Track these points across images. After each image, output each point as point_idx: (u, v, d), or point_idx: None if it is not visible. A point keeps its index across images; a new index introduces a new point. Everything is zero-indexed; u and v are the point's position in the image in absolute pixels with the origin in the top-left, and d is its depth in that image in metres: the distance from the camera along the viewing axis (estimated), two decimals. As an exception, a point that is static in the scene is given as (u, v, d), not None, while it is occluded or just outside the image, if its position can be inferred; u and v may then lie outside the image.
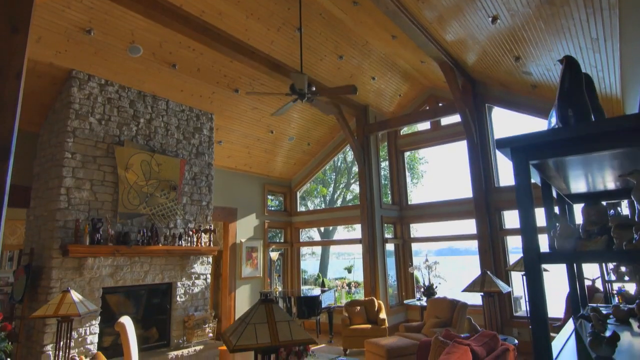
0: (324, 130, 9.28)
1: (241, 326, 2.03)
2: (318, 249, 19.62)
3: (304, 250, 14.42)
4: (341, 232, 19.15)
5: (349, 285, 13.31)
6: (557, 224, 1.18)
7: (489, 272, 5.17)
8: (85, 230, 5.10)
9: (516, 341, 4.27)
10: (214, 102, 7.08)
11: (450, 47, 6.43)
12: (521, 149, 1.07)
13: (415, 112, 8.87)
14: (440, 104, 8.60)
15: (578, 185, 1.47)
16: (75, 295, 3.85)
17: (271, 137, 8.57)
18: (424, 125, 9.24)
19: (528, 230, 1.09)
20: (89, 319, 5.14)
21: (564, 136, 0.99)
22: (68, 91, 5.44)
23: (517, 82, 6.93)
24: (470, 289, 5.15)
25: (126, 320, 4.34)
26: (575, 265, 1.88)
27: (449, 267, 8.29)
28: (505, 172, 7.79)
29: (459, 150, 10.04)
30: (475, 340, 3.49)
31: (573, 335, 2.02)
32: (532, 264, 1.09)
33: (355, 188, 17.62)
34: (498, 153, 7.78)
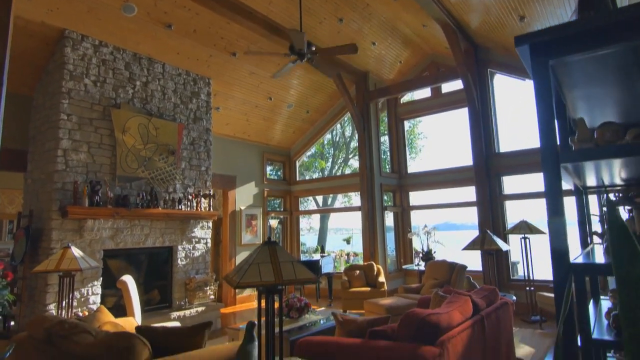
0: (323, 97, 9.15)
1: (245, 266, 2.03)
2: (316, 225, 19.68)
3: (302, 224, 14.49)
4: (339, 207, 19.21)
5: (347, 255, 13.46)
6: (576, 132, 1.14)
7: (488, 231, 5.20)
8: (84, 192, 5.07)
9: (514, 297, 4.32)
10: (211, 66, 6.94)
11: (453, 7, 6.27)
12: (542, 45, 1.02)
13: (416, 78, 8.73)
14: (441, 70, 8.46)
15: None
16: (76, 251, 3.85)
17: (270, 104, 8.45)
18: (425, 93, 9.12)
19: (547, 129, 1.05)
20: (91, 279, 5.18)
21: (589, 26, 0.93)
22: (61, 52, 5.30)
23: (520, 45, 6.79)
24: (470, 247, 5.19)
25: (128, 279, 4.37)
26: (584, 195, 1.86)
27: (445, 241, 8.33)
28: (505, 138, 7.74)
29: (459, 118, 9.95)
30: (475, 293, 3.52)
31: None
32: (551, 162, 1.05)
33: (353, 163, 17.55)
34: (499, 119, 7.71)
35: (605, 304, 1.94)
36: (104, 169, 5.49)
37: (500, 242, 5.07)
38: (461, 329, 2.76)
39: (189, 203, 6.30)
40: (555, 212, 1.05)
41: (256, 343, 2.27)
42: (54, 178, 5.03)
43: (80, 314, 4.44)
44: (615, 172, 1.43)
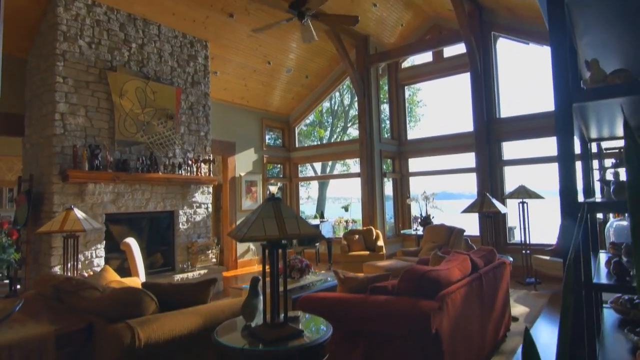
0: (323, 62, 8.98)
1: (249, 220, 2.05)
2: (315, 194, 19.74)
3: (301, 193, 14.55)
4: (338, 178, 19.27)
5: (346, 222, 13.62)
6: (590, 72, 1.13)
7: (487, 194, 5.24)
8: (84, 156, 5.06)
9: (511, 259, 4.41)
10: (208, 28, 6.76)
11: (457, -35, 6.05)
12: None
13: (418, 41, 8.55)
14: (444, 34, 8.27)
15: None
16: (79, 213, 3.88)
17: (268, 68, 8.30)
18: (426, 58, 8.96)
19: (561, 66, 1.04)
20: (94, 242, 5.25)
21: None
22: (54, 11, 5.14)
23: (526, 6, 6.62)
24: (469, 210, 5.25)
25: (131, 241, 4.43)
26: (588, 146, 1.85)
27: (443, 209, 8.39)
28: (506, 104, 7.67)
29: (460, 84, 9.81)
30: (474, 253, 3.59)
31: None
32: (564, 101, 1.03)
33: (352, 132, 17.42)
34: (501, 84, 7.61)
35: (603, 256, 1.98)
36: (102, 133, 5.44)
37: (498, 205, 5.12)
38: (460, 285, 2.82)
39: (188, 168, 6.30)
40: (566, 151, 1.05)
41: (261, 298, 2.32)
42: (53, 142, 4.99)
43: (85, 274, 4.52)
44: (619, 121, 1.43)
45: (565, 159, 1.02)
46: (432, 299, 2.52)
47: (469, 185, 7.89)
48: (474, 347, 2.97)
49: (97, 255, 5.29)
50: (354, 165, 16.91)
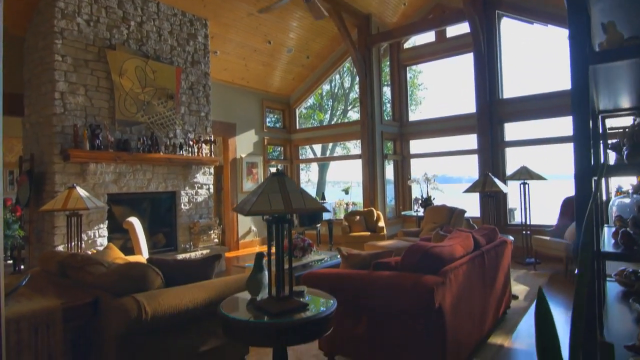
0: (324, 41, 8.86)
1: (254, 195, 2.05)
2: (315, 178, 19.74)
3: (301, 177, 14.56)
4: (337, 160, 19.24)
5: (346, 204, 13.67)
6: (606, 35, 1.10)
7: (490, 174, 5.24)
8: (84, 135, 5.03)
9: (512, 238, 4.44)
10: (207, 6, 6.64)
11: (462, -59, 5.91)
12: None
13: (421, 20, 8.42)
14: (447, 13, 8.13)
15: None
16: (82, 191, 3.88)
17: (269, 48, 8.20)
18: (428, 38, 8.83)
19: (578, 25, 1.01)
20: (97, 222, 5.26)
21: None
22: (50, -13, 5.04)
23: (531, -16, 6.49)
24: (472, 189, 5.25)
25: (134, 220, 4.44)
26: (598, 118, 1.84)
27: (444, 191, 8.39)
28: (509, 84, 7.60)
29: (462, 65, 9.71)
30: (476, 231, 3.60)
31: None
32: (581, 63, 1.02)
33: (352, 115, 17.31)
34: (504, 64, 7.52)
35: (607, 230, 1.98)
36: (102, 112, 5.40)
37: (501, 185, 5.12)
38: (463, 261, 2.84)
39: (189, 149, 6.27)
40: (581, 122, 1.03)
41: (265, 272, 2.33)
42: (53, 121, 4.96)
43: (89, 252, 4.54)
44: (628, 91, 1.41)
45: (580, 128, 1.01)
46: (436, 274, 2.54)
47: (469, 168, 7.91)
48: (475, 323, 3.00)
49: (100, 235, 5.31)
50: (355, 148, 16.85)
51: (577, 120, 1.01)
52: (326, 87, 18.82)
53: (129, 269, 2.38)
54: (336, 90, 18.98)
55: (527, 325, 3.75)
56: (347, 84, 18.74)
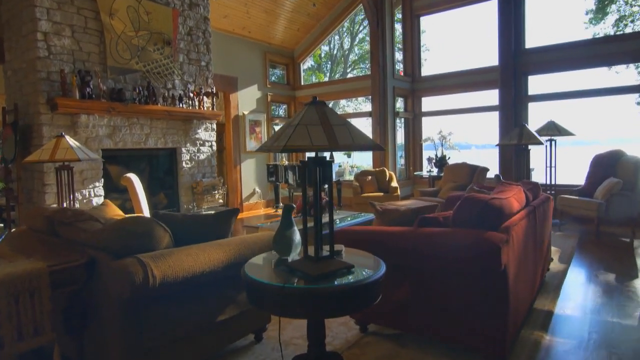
0: (332, -13, 8.13)
1: (289, 128, 1.60)
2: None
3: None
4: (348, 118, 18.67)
5: (351, 167, 13.29)
6: None
7: (526, 125, 4.78)
8: (73, 82, 4.49)
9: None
10: (205, -59, 5.92)
11: None
12: None
13: (439, -37, 7.68)
14: (468, -47, 7.41)
15: None
16: (72, 141, 3.41)
17: (272, -7, 7.48)
18: (445, -16, 8.10)
19: None
20: (92, 180, 4.82)
21: None
22: None
23: None
24: (506, 141, 4.80)
25: (133, 176, 4.00)
26: None
27: (464, 158, 7.91)
28: (533, 33, 7.00)
29: (481, 14, 9.03)
30: (523, 185, 3.18)
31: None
32: None
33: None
34: (528, 9, 6.87)
35: None
36: (92, 57, 4.84)
37: (538, 137, 4.67)
38: (520, 216, 2.44)
39: (190, 102, 5.74)
40: None
41: (296, 229, 1.92)
42: (37, 66, 4.41)
43: (90, 209, 4.13)
44: None
45: None
46: (496, 230, 2.13)
47: (482, 135, 7.42)
48: (528, 286, 2.64)
49: (96, 194, 4.88)
50: (365, 102, 16.22)
51: None
52: (325, 48, 18.03)
53: (130, 224, 1.96)
54: (335, 52, 18.17)
55: (569, 288, 3.41)
56: (346, 45, 17.92)
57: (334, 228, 3.56)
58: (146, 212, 4.02)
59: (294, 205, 1.98)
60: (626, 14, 11.34)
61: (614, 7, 11.54)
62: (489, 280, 2.05)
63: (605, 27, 11.47)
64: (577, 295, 3.27)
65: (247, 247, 2.21)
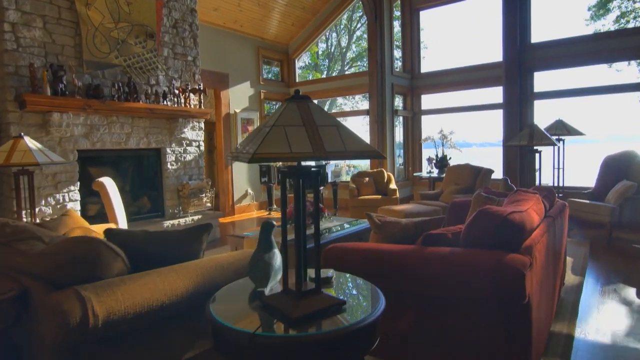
0: (328, -21, 7.76)
1: (262, 130, 1.25)
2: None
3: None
4: (341, 120, 18.33)
5: (348, 167, 12.94)
6: None
7: (537, 124, 4.44)
8: (44, 77, 4.12)
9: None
10: None
11: None
12: None
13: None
14: (470, -57, 7.06)
15: None
16: (31, 142, 3.05)
17: (265, -15, 7.12)
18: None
19: None
20: (66, 183, 4.45)
21: None
22: None
23: None
24: (515, 142, 4.46)
25: (106, 180, 3.63)
26: None
27: (466, 158, 7.57)
28: (539, 27, 6.67)
29: (483, 7, 8.70)
30: (539, 192, 2.84)
31: None
32: None
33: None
34: (534, 1, 6.53)
35: None
36: (67, 51, 4.46)
37: (551, 137, 4.33)
38: (541, 232, 2.09)
39: (175, 99, 5.37)
40: None
41: (276, 251, 1.57)
42: (4, 60, 4.03)
43: (38, 220, 3.78)
44: None
45: None
46: (517, 251, 1.79)
47: (487, 128, 7.10)
48: (549, 310, 2.30)
49: (71, 199, 4.52)
50: (362, 103, 15.89)
51: None
52: (322, 45, 17.72)
53: (72, 247, 1.60)
54: (333, 50, 17.84)
55: (588, 307, 3.07)
56: (344, 43, 17.60)
57: (327, 239, 3.20)
58: (121, 220, 3.66)
59: (274, 224, 1.62)
60: (628, 10, 11.03)
61: (615, 3, 11.22)
62: (509, 312, 1.71)
63: (607, 24, 11.16)
64: (596, 315, 2.94)
65: (221, 270, 1.86)
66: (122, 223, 3.72)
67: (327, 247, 2.13)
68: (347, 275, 1.76)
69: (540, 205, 2.36)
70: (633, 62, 9.56)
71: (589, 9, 11.52)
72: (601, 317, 2.88)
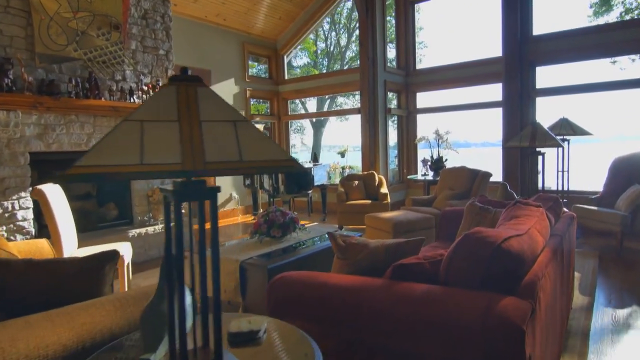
0: (317, -30, 7.32)
1: (109, 133, 0.81)
2: (309, 141, 18.47)
3: (294, 140, 13.20)
4: (333, 123, 17.91)
5: (342, 168, 12.49)
6: None
7: (540, 123, 3.98)
8: (-14, 71, 3.68)
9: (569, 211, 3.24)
10: None
11: None
12: None
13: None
14: None
15: None
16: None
17: (248, -25, 6.67)
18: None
19: None
20: (16, 190, 4.01)
21: None
22: None
23: None
24: (516, 143, 4.01)
25: (48, 187, 3.18)
26: None
27: (463, 160, 7.12)
28: (541, 18, 6.21)
29: (481, 0, 8.24)
30: (543, 204, 2.38)
31: None
32: None
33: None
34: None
35: None
36: (16, 42, 4.02)
37: (555, 138, 3.87)
38: (546, 259, 1.64)
39: (144, 96, 4.93)
40: None
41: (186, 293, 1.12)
42: (-59, 52, 3.60)
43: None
44: None
45: None
46: (514, 292, 1.33)
47: (486, 127, 6.65)
48: (555, 350, 1.84)
49: (22, 207, 4.07)
50: (353, 104, 15.47)
51: None
52: (321, 44, 17.36)
53: None
54: (332, 49, 17.48)
55: (600, 338, 2.61)
56: (343, 41, 17.22)
57: (288, 259, 2.74)
58: (66, 235, 3.21)
59: (186, 255, 1.17)
60: (633, 6, 10.56)
61: (617, -1, 10.75)
62: (504, 376, 1.25)
63: (610, 20, 10.69)
64: (610, 349, 2.48)
65: (112, 318, 1.40)
66: (69, 236, 3.27)
67: (274, 279, 1.68)
68: (285, 325, 1.31)
69: (545, 222, 1.91)
70: (638, 59, 9.07)
71: (591, 6, 11.06)
72: (616, 351, 2.43)
